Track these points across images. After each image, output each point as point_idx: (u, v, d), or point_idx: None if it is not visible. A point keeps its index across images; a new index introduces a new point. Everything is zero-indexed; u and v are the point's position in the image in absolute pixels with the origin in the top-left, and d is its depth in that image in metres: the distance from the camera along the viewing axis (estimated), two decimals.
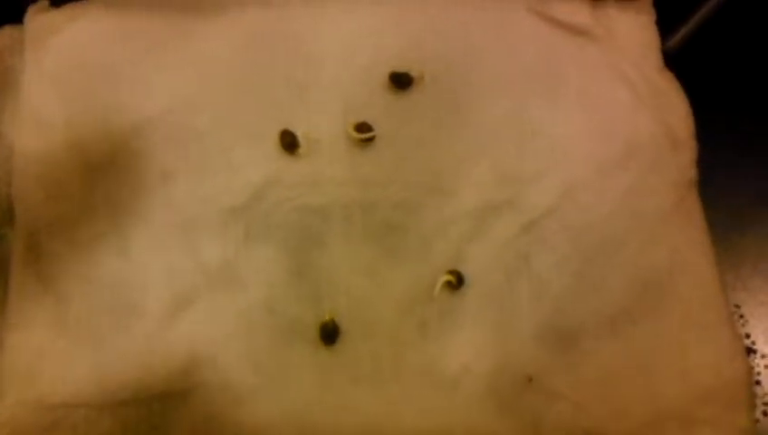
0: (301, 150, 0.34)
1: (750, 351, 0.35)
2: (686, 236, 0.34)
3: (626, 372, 0.32)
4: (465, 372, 0.32)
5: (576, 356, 0.33)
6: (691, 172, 0.35)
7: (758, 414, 0.34)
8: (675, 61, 0.37)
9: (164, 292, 0.32)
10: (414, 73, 0.36)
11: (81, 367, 0.32)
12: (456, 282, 0.33)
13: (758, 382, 0.35)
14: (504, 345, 0.33)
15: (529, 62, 0.36)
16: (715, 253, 0.34)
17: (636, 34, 0.37)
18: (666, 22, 0.38)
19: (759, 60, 0.40)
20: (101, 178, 0.34)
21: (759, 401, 0.34)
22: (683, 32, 0.39)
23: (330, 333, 0.32)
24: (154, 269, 0.33)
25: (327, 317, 0.33)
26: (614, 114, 0.36)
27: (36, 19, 0.36)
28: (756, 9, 0.41)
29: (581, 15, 0.37)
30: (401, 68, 0.36)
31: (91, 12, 0.36)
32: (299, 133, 0.35)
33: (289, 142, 0.34)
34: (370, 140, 0.35)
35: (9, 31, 0.36)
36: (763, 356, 0.35)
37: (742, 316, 0.36)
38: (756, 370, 0.35)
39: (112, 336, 0.32)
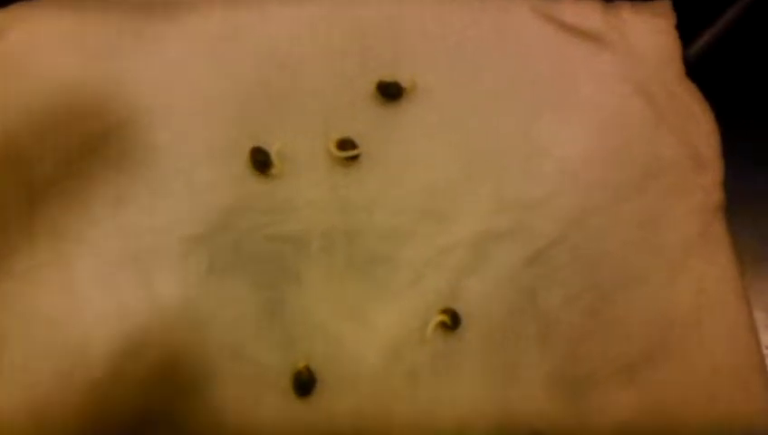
0: (274, 170, 0.31)
1: None
2: (712, 269, 0.32)
3: (646, 425, 0.30)
4: (462, 427, 0.29)
5: (589, 408, 0.30)
6: (717, 195, 0.33)
7: None
8: (697, 70, 0.34)
9: (113, 333, 0.29)
10: (404, 83, 0.32)
11: (17, 419, 0.28)
12: (452, 322, 0.30)
13: None
14: (507, 395, 0.30)
15: (534, 71, 0.33)
16: (745, 287, 0.32)
17: (654, 40, 0.34)
18: (687, 26, 0.35)
19: None
20: (44, 201, 0.30)
21: None
22: (707, 37, 0.37)
23: (304, 384, 0.29)
24: (102, 306, 0.29)
25: (301, 365, 0.29)
26: (630, 131, 0.33)
27: None
28: None
29: (593, 18, 0.34)
30: (390, 77, 0.32)
31: (40, 13, 0.33)
32: (272, 151, 0.31)
33: (261, 161, 0.31)
34: (354, 158, 0.32)
35: None
36: None
37: None
38: None
39: (53, 384, 0.28)
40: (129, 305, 0.29)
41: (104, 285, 0.29)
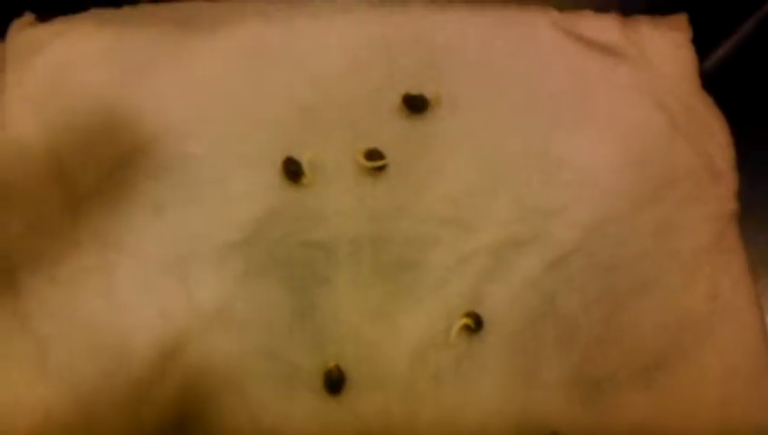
0: (305, 180, 0.32)
1: None
2: (726, 276, 0.32)
3: (660, 427, 0.30)
4: (484, 427, 0.30)
5: (606, 409, 0.30)
6: (731, 205, 0.33)
7: None
8: (713, 83, 0.35)
9: (153, 336, 0.30)
10: (429, 96, 0.33)
11: (63, 416, 0.29)
12: (475, 325, 0.30)
13: None
14: (528, 397, 0.30)
15: (554, 84, 0.34)
16: (758, 294, 0.32)
17: (671, 54, 0.35)
18: (703, 40, 0.35)
19: None
20: (87, 210, 0.31)
21: None
22: (722, 51, 0.37)
23: (335, 383, 0.30)
24: (142, 310, 0.30)
25: (332, 364, 0.30)
26: (647, 142, 0.33)
27: (20, 35, 0.33)
28: None
29: (611, 33, 0.35)
30: (416, 90, 0.33)
31: (80, 28, 0.34)
32: (303, 161, 0.32)
33: (293, 171, 0.32)
34: (381, 168, 0.32)
35: None
36: None
37: None
38: None
39: (96, 383, 0.29)
40: (169, 309, 0.30)
41: (144, 289, 0.30)
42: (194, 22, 0.34)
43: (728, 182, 0.33)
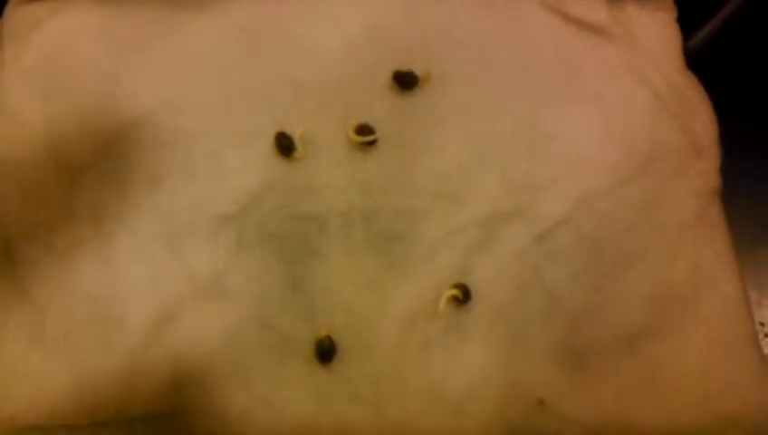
0: (297, 154, 0.32)
1: None
2: (709, 249, 0.33)
3: (644, 394, 0.31)
4: (471, 395, 0.30)
5: (591, 377, 0.31)
6: (714, 181, 0.34)
7: None
8: (697, 62, 0.35)
9: (148, 304, 0.30)
10: (419, 73, 0.34)
11: (58, 384, 0.30)
12: (463, 296, 0.31)
13: None
14: (514, 365, 0.31)
15: (543, 62, 0.35)
16: (740, 267, 0.32)
17: (656, 33, 0.36)
18: (688, 20, 0.36)
19: None
20: (83, 182, 0.32)
21: None
22: (706, 31, 0.38)
23: (326, 351, 0.30)
24: (138, 279, 0.31)
25: (323, 334, 0.31)
26: (633, 119, 0.34)
27: (17, 12, 0.34)
28: None
29: (598, 12, 0.36)
30: (406, 67, 0.34)
31: (76, 5, 0.34)
32: (295, 136, 0.33)
33: (285, 145, 0.32)
34: (372, 143, 0.33)
35: None
36: None
37: (767, 335, 0.34)
38: None
39: (92, 351, 0.30)
40: (164, 279, 0.31)
41: (139, 260, 0.31)
42: None
43: (711, 158, 0.34)
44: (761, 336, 0.33)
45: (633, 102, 0.34)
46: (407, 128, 0.33)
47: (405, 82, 0.33)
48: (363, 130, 0.33)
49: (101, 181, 0.32)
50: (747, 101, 0.37)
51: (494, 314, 0.31)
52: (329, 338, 0.30)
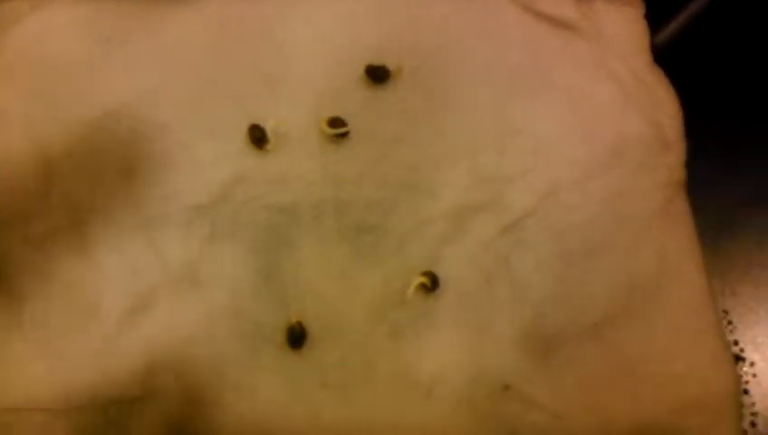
0: (270, 146, 0.33)
1: (738, 359, 0.34)
2: (673, 240, 0.33)
3: (609, 380, 0.31)
4: (438, 380, 0.31)
5: (556, 363, 0.31)
6: (680, 173, 0.34)
7: (746, 425, 0.33)
8: (664, 57, 0.36)
9: (123, 292, 0.31)
10: (391, 67, 0.34)
11: (36, 370, 0.30)
12: (431, 284, 0.32)
13: (746, 392, 0.34)
14: (481, 351, 0.31)
15: (512, 56, 0.35)
16: (704, 257, 0.33)
17: (624, 29, 0.36)
18: (655, 16, 0.37)
19: (752, 57, 0.39)
20: (60, 174, 0.32)
21: (747, 412, 0.33)
22: (673, 26, 0.38)
23: (297, 338, 0.31)
24: (113, 268, 0.31)
25: (294, 321, 0.31)
26: (600, 112, 0.35)
27: None
28: (751, 3, 0.39)
29: (567, 8, 0.36)
30: (378, 61, 0.34)
31: (55, 1, 0.35)
32: (268, 128, 0.33)
33: (257, 137, 0.33)
34: (344, 135, 0.33)
35: None
36: (751, 364, 0.34)
37: (730, 323, 0.35)
38: (744, 379, 0.34)
39: (68, 337, 0.31)
40: (138, 268, 0.31)
41: (115, 249, 0.32)
42: None
43: (677, 151, 0.34)
44: (724, 324, 0.34)
45: (600, 96, 0.35)
46: (378, 121, 0.34)
47: (377, 75, 0.34)
48: (335, 122, 0.33)
49: (78, 172, 0.32)
50: (713, 96, 0.37)
51: (462, 301, 0.32)
52: (300, 324, 0.31)
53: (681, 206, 0.34)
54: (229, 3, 0.35)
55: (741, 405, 0.32)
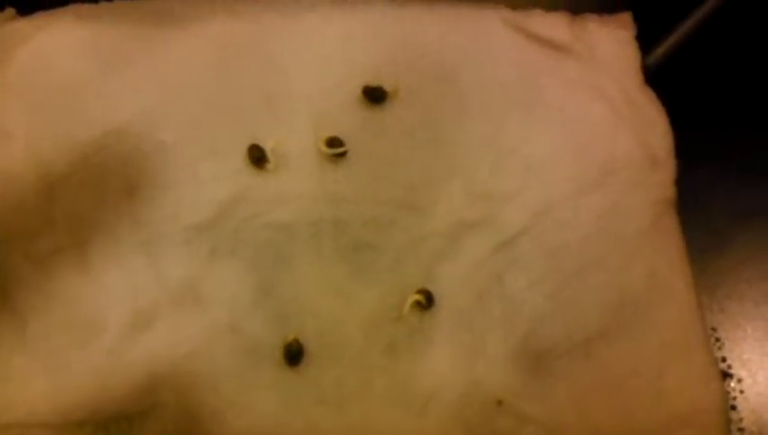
0: (269, 166, 0.34)
1: (726, 375, 0.35)
2: (663, 257, 0.34)
3: (599, 395, 0.32)
4: (433, 396, 0.31)
5: (548, 379, 0.32)
6: (670, 191, 0.35)
7: None
8: (655, 77, 0.37)
9: (124, 309, 0.32)
10: (388, 88, 0.35)
11: (37, 385, 0.31)
12: (426, 302, 0.32)
13: (733, 407, 0.34)
14: (474, 368, 0.32)
15: (506, 77, 0.36)
16: (693, 274, 0.34)
17: (616, 50, 0.37)
18: (646, 37, 0.38)
19: (739, 77, 0.40)
20: (62, 192, 0.33)
21: (734, 427, 0.34)
22: (663, 48, 0.39)
23: (294, 355, 0.31)
24: (115, 286, 0.32)
25: (291, 338, 0.32)
26: (592, 132, 0.35)
27: (2, 29, 0.35)
28: (739, 26, 0.40)
29: (560, 30, 0.37)
30: (375, 82, 0.35)
31: (60, 22, 0.36)
32: (267, 148, 0.34)
33: (257, 157, 0.34)
34: (342, 155, 0.34)
35: None
36: (738, 381, 0.35)
37: (718, 339, 0.36)
38: (732, 395, 0.34)
39: (70, 354, 0.31)
40: (140, 285, 0.32)
41: (116, 267, 0.32)
42: (167, 17, 0.36)
43: (667, 170, 0.35)
44: (712, 341, 0.35)
45: (592, 116, 0.35)
46: (375, 140, 0.34)
47: (374, 96, 0.35)
48: (333, 142, 0.34)
49: (80, 191, 0.33)
50: (702, 115, 0.38)
51: (456, 319, 0.32)
52: (297, 341, 0.32)
53: (671, 223, 0.34)
54: (230, 24, 0.36)
55: (728, 421, 0.32)
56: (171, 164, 0.33)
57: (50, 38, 0.35)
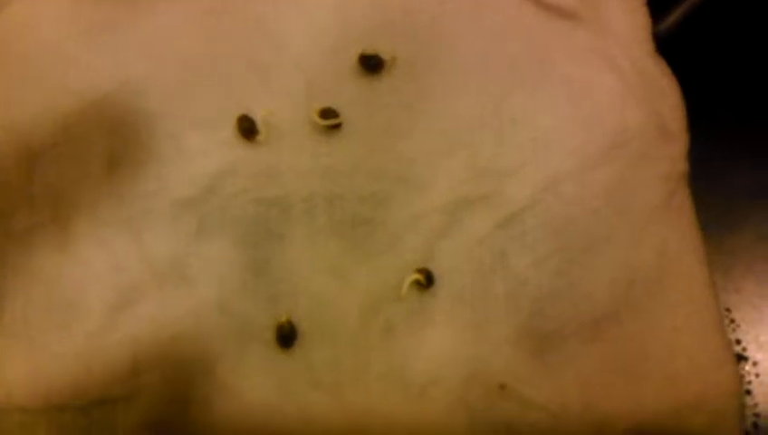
0: (260, 137, 0.32)
1: (740, 358, 0.34)
2: (675, 234, 0.32)
3: (608, 378, 0.31)
4: (433, 379, 0.30)
5: (554, 361, 0.31)
6: (682, 165, 0.33)
7: (747, 426, 0.32)
8: (666, 46, 0.35)
9: (107, 289, 0.30)
10: (385, 56, 0.33)
11: (16, 368, 0.30)
12: (426, 281, 0.31)
13: (748, 392, 0.33)
14: (477, 350, 0.31)
15: (510, 46, 0.34)
16: (706, 252, 0.32)
17: (625, 18, 0.35)
18: (657, 5, 0.36)
19: (756, 47, 0.38)
20: (42, 165, 0.31)
21: (749, 412, 0.33)
22: (676, 15, 0.37)
23: (286, 336, 0.30)
24: (97, 264, 0.31)
25: (284, 318, 0.30)
26: (601, 103, 0.34)
27: None
28: None
29: None
30: (372, 50, 0.33)
31: None
32: (258, 119, 0.32)
33: (247, 128, 0.32)
34: (336, 126, 0.32)
35: None
36: (754, 364, 0.34)
37: (733, 321, 0.34)
38: (747, 378, 0.33)
39: (50, 335, 0.30)
40: (123, 264, 0.31)
41: (99, 244, 0.31)
42: None
43: (679, 143, 0.34)
44: (726, 322, 0.34)
45: (601, 87, 0.34)
46: (371, 112, 0.33)
47: (370, 65, 0.33)
48: (327, 113, 0.32)
49: (60, 164, 0.31)
50: (716, 86, 0.37)
51: (457, 298, 0.31)
52: (289, 323, 0.30)
53: (683, 199, 0.33)
54: None
55: (743, 406, 0.31)
56: (156, 136, 0.32)
57: (28, 5, 0.34)
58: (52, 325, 0.30)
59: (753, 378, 0.33)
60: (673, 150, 0.33)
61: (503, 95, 0.34)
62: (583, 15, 0.35)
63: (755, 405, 0.33)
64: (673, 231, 0.32)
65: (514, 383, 0.30)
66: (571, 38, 0.35)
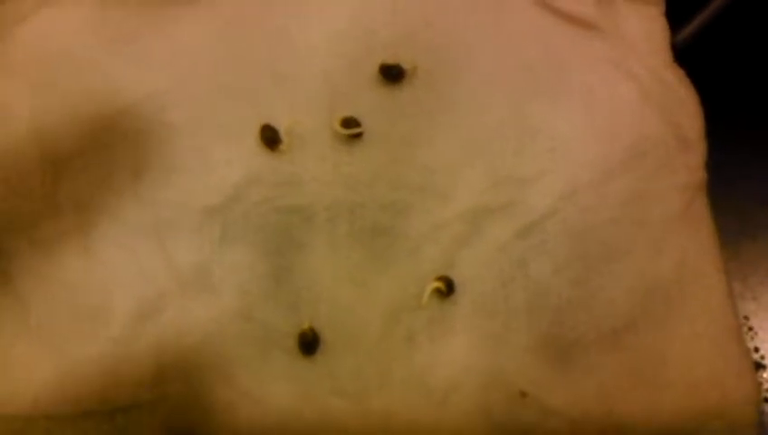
0: (282, 147, 0.32)
1: (759, 366, 0.34)
2: (694, 243, 0.32)
3: (627, 386, 0.31)
4: (454, 387, 0.30)
5: (574, 370, 0.31)
6: (700, 175, 0.34)
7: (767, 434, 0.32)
8: (685, 56, 0.35)
9: (132, 296, 0.30)
10: (406, 66, 0.33)
11: (41, 375, 0.30)
12: (446, 289, 0.31)
13: (767, 400, 0.33)
14: (497, 358, 0.31)
15: (530, 56, 0.34)
16: (724, 260, 0.32)
17: (644, 27, 0.36)
18: (676, 14, 0.36)
19: None
20: (67, 174, 0.32)
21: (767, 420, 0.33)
22: (694, 25, 0.37)
23: (309, 343, 0.30)
24: (122, 272, 0.31)
25: (306, 326, 0.31)
26: (620, 113, 0.34)
27: (3, 5, 0.34)
28: None
29: (586, 6, 0.35)
30: (392, 60, 0.33)
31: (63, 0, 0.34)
32: (281, 128, 0.32)
33: (270, 138, 0.32)
34: (358, 136, 0.33)
35: None
36: None
37: (751, 329, 0.34)
38: (765, 386, 0.33)
39: (75, 342, 0.30)
40: (147, 271, 0.31)
41: (123, 251, 0.31)
42: None
43: (697, 152, 0.34)
44: (744, 330, 0.34)
45: (619, 97, 0.34)
46: (393, 121, 0.33)
47: (391, 75, 0.33)
48: (349, 122, 0.33)
49: (86, 173, 0.32)
50: (734, 96, 0.37)
51: (478, 306, 0.31)
52: (312, 330, 0.31)
53: (701, 208, 0.33)
54: (242, 2, 0.34)
55: (762, 414, 0.31)
56: (180, 145, 0.32)
57: (52, 15, 0.34)
58: (78, 332, 0.30)
59: None
60: (691, 160, 0.34)
61: (522, 105, 0.34)
62: (602, 25, 0.35)
63: None
64: (691, 241, 0.32)
65: (535, 391, 0.30)
66: (589, 48, 0.35)
